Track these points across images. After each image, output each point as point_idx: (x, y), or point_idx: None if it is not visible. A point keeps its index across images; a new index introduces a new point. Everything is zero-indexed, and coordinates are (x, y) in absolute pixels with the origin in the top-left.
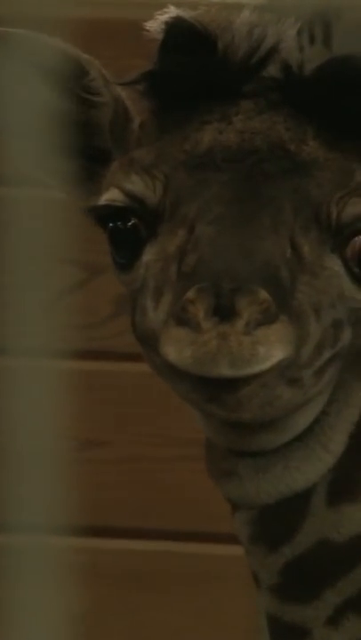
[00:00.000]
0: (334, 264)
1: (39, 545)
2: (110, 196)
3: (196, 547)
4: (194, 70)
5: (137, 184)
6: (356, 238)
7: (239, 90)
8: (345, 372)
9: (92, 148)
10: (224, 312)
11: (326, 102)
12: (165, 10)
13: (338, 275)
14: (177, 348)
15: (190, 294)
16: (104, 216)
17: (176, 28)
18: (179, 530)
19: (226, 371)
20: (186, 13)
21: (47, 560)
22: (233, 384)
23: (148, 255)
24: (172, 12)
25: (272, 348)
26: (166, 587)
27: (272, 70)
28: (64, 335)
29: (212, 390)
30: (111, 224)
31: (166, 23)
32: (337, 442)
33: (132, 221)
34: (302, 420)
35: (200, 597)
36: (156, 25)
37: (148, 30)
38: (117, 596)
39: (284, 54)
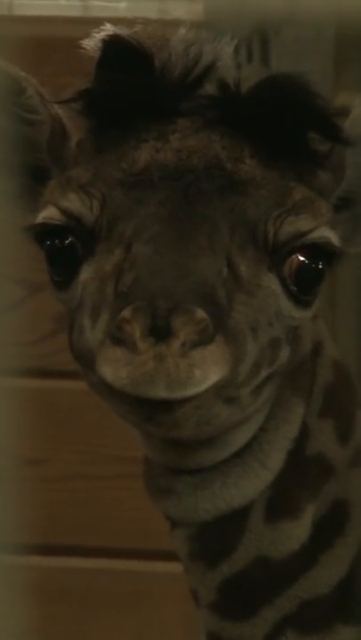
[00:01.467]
0: (271, 283)
1: None
2: (47, 214)
3: (134, 564)
4: (130, 88)
5: (74, 202)
6: (293, 256)
7: (176, 108)
8: (283, 387)
9: (30, 166)
10: (160, 332)
11: (263, 121)
12: (102, 27)
13: (275, 293)
14: (113, 369)
15: (126, 313)
16: (41, 234)
17: (113, 46)
18: (118, 547)
19: (162, 393)
20: (122, 31)
21: None
22: (169, 405)
23: (85, 274)
24: (108, 29)
25: (208, 371)
26: (106, 604)
27: (209, 88)
28: (4, 353)
29: (149, 410)
30: (48, 242)
31: (103, 41)
32: (275, 458)
33: (69, 239)
34: (240, 437)
35: (140, 614)
36: (92, 43)
37: (84, 48)
38: (59, 614)
39: (221, 72)
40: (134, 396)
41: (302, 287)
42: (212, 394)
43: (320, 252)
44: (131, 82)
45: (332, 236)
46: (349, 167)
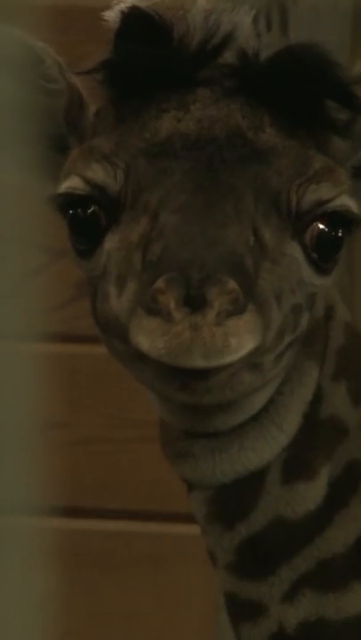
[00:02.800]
0: (294, 250)
1: (7, 526)
2: (71, 183)
3: (153, 526)
4: (150, 58)
5: (98, 172)
6: (314, 224)
7: (196, 77)
8: (298, 352)
9: (49, 135)
10: (195, 302)
11: (282, 90)
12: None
13: (297, 261)
14: (150, 339)
15: (160, 284)
16: (64, 203)
17: (132, 18)
18: (137, 510)
19: (199, 362)
20: (142, 2)
21: (14, 540)
22: (204, 373)
23: (110, 243)
24: (128, 1)
25: (243, 339)
26: (126, 565)
27: (229, 58)
28: (27, 318)
29: (184, 379)
30: (71, 211)
31: (123, 12)
32: (291, 421)
33: (92, 209)
34: (258, 402)
35: (159, 576)
36: (112, 14)
37: (104, 19)
38: (80, 575)
39: (241, 42)
40: (170, 366)
41: (323, 255)
42: (244, 361)
43: (340, 219)
44: (150, 52)
45: (351, 204)
46: None
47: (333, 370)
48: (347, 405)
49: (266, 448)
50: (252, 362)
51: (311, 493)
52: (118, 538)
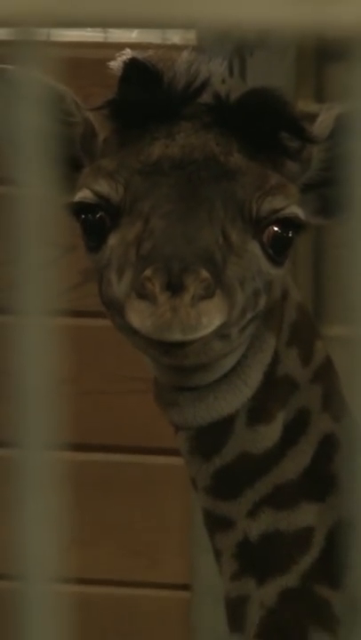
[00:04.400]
0: (254, 247)
1: (34, 457)
2: (83, 195)
3: (145, 458)
4: (145, 98)
5: (103, 186)
6: (271, 227)
7: (180, 113)
8: (259, 325)
9: (68, 157)
10: (175, 287)
11: (247, 124)
12: (123, 52)
13: (256, 256)
14: (140, 318)
15: (147, 273)
16: (78, 210)
17: (132, 66)
18: (131, 445)
19: (178, 336)
20: (139, 55)
21: (34, 468)
22: (182, 344)
23: (113, 240)
24: (128, 53)
25: (212, 318)
26: (122, 489)
27: (206, 98)
28: (46, 298)
29: (166, 348)
30: (83, 216)
31: (124, 62)
32: (254, 378)
33: (100, 214)
34: (228, 363)
35: (148, 497)
36: (116, 63)
37: (110, 68)
38: (85, 497)
39: (215, 86)
40: (156, 339)
41: (277, 251)
42: (213, 334)
43: (290, 224)
44: (146, 93)
45: (299, 212)
46: (315, 159)
47: (287, 339)
48: (298, 366)
49: (234, 399)
50: (220, 333)
51: (269, 434)
52: (116, 467)
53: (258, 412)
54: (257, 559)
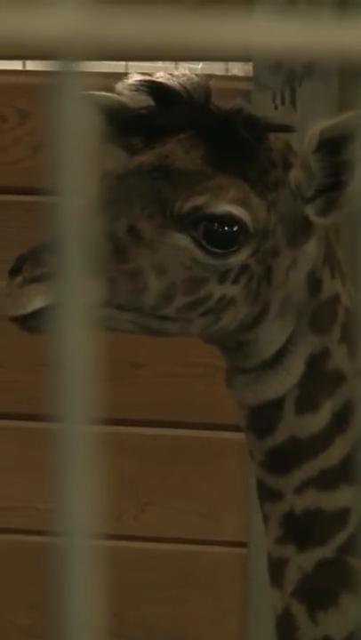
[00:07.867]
0: (180, 240)
1: (79, 430)
2: None
3: (208, 433)
4: (144, 115)
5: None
6: (203, 222)
7: (176, 126)
8: (303, 325)
9: None
10: (14, 272)
11: (217, 138)
12: (129, 76)
13: (184, 248)
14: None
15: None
16: None
17: (137, 89)
18: (194, 421)
19: (12, 313)
20: (143, 77)
21: (83, 440)
22: (23, 319)
23: None
24: (134, 77)
25: (33, 300)
26: (185, 460)
27: (191, 117)
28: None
29: (18, 324)
30: None
31: (130, 85)
32: (296, 367)
33: None
34: (265, 350)
35: (212, 466)
36: (122, 87)
37: (118, 91)
38: (148, 469)
39: (252, 111)
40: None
41: (215, 243)
42: (46, 311)
43: (230, 220)
44: (142, 112)
45: (235, 211)
46: (315, 168)
47: (339, 337)
48: (346, 361)
49: (278, 385)
50: (155, 316)
51: (316, 421)
52: (184, 440)
53: (305, 401)
54: (299, 530)
